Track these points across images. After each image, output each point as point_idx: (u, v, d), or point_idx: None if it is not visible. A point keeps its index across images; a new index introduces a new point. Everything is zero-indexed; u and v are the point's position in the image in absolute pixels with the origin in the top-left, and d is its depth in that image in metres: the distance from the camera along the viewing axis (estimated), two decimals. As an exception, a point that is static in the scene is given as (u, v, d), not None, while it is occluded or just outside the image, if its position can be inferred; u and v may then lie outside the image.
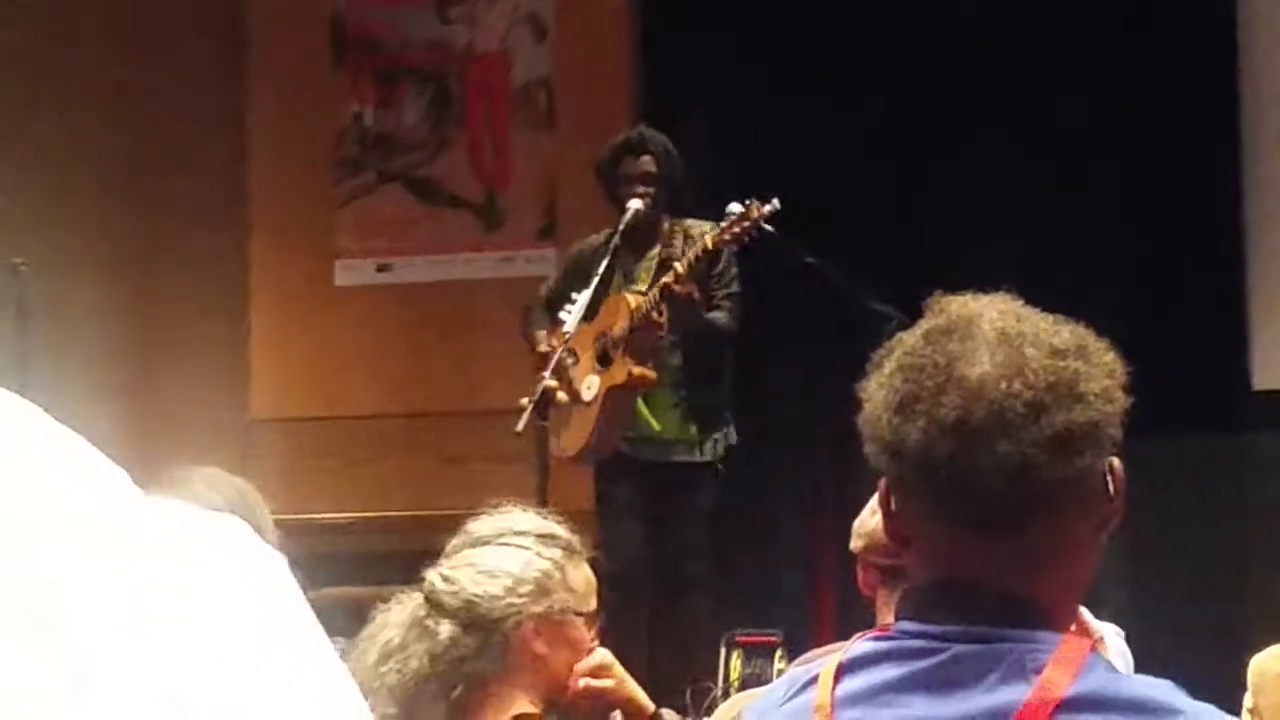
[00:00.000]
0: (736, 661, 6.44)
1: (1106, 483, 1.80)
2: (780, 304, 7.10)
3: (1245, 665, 3.56)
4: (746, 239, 6.28)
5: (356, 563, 7.70)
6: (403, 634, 2.84)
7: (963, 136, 7.72)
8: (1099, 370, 1.80)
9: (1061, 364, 1.78)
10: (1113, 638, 3.47)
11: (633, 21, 8.34)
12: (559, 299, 6.80)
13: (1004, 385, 1.76)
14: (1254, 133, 7.71)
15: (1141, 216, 7.65)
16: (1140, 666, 3.47)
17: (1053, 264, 7.18)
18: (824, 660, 1.83)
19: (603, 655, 2.95)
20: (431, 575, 2.90)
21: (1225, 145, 7.66)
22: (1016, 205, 7.60)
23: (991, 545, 1.78)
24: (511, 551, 2.89)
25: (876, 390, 1.81)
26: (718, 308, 6.59)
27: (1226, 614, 6.90)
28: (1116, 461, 1.81)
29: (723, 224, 6.31)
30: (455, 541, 2.96)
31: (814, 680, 1.81)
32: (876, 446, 1.81)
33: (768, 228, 6.27)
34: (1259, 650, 3.58)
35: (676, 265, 6.40)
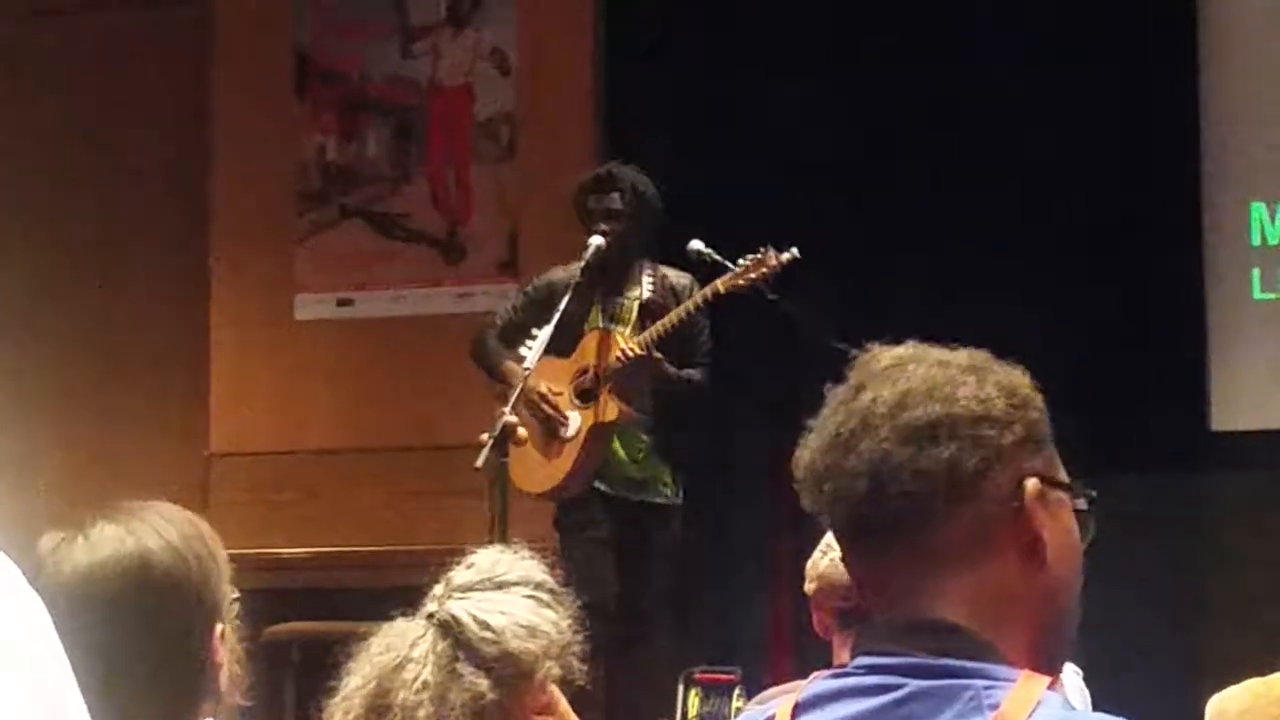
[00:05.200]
0: (695, 699, 6.43)
1: (1015, 500, 1.75)
2: (740, 340, 7.10)
3: (1203, 705, 3.56)
4: (761, 286, 6.22)
5: (315, 598, 7.68)
6: (433, 673, 2.68)
7: (925, 185, 7.72)
8: (986, 382, 1.77)
9: (935, 371, 1.77)
10: (1070, 675, 3.47)
11: (597, 57, 8.35)
12: (518, 330, 6.69)
13: (873, 395, 1.77)
14: (1214, 175, 7.76)
15: (1101, 259, 7.67)
16: (1098, 705, 3.47)
17: (1011, 306, 7.19)
18: (781, 699, 1.82)
19: (549, 693, 2.88)
20: (455, 610, 2.74)
21: (1185, 189, 7.70)
22: (976, 245, 7.61)
23: (881, 561, 1.77)
24: (540, 608, 2.76)
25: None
26: (699, 364, 6.56)
27: (1184, 653, 6.92)
28: (1032, 482, 1.75)
29: (736, 269, 6.26)
30: (467, 575, 2.79)
31: (771, 719, 1.81)
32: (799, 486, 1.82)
33: (741, 263, 6.25)
34: (1217, 690, 3.58)
35: (658, 326, 6.36)
